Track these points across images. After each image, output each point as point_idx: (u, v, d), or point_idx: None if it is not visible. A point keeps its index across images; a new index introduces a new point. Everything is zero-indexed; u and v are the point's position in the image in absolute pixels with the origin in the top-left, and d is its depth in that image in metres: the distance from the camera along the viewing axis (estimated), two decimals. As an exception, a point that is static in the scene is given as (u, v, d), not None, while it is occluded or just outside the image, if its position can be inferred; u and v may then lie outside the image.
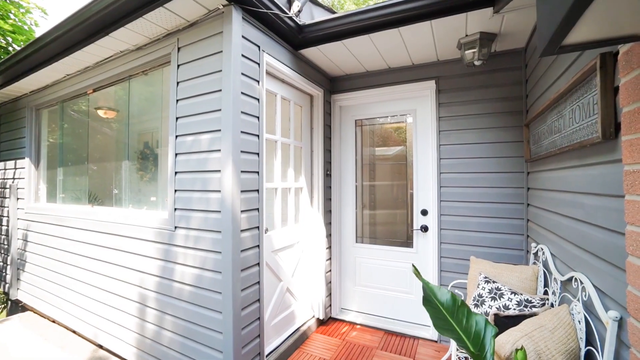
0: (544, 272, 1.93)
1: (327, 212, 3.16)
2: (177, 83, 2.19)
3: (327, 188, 3.17)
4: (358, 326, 3.06)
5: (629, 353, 0.87)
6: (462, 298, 1.65)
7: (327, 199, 3.17)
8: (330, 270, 3.21)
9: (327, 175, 3.17)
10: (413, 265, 1.19)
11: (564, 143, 1.52)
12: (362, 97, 3.13)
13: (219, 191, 1.95)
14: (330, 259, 3.21)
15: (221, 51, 1.97)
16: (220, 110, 1.97)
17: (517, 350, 0.90)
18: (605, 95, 1.10)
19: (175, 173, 2.19)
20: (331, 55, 2.72)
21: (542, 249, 1.99)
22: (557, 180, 1.73)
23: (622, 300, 1.08)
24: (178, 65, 2.19)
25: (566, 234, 1.59)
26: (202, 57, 2.07)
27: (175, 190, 2.19)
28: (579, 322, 1.34)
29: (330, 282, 3.21)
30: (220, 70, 1.97)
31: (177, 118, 2.19)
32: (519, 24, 2.13)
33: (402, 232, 3.09)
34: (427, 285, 1.14)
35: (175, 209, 2.18)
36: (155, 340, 2.27)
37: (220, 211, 1.94)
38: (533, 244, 2.19)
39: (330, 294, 3.20)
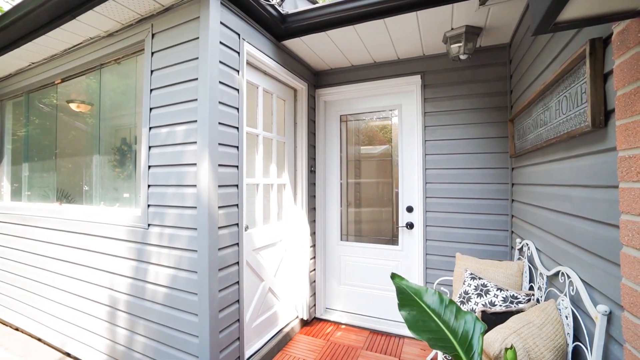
0: (529, 268, 1.91)
1: (312, 209, 3.08)
2: (151, 72, 2.06)
3: (312, 185, 3.09)
4: (343, 326, 3.00)
5: (623, 349, 0.83)
6: (448, 296, 1.60)
7: (311, 196, 3.08)
8: (314, 269, 3.13)
9: (312, 171, 3.09)
10: (392, 274, 1.12)
11: (551, 135, 1.49)
12: (347, 92, 3.07)
13: (195, 186, 1.84)
14: (314, 257, 3.13)
15: (198, 38, 1.85)
16: (196, 100, 1.85)
17: (506, 349, 0.85)
18: (595, 83, 1.07)
19: (149, 167, 2.06)
20: (315, 48, 2.64)
21: (527, 244, 1.97)
22: (543, 174, 1.70)
23: (612, 294, 1.04)
24: (152, 53, 2.06)
25: (552, 228, 1.57)
26: (177, 44, 1.95)
27: (149, 186, 2.05)
28: (566, 317, 1.31)
29: (314, 281, 3.12)
30: (197, 58, 1.86)
31: (150, 109, 2.06)
32: (504, 18, 2.11)
33: (387, 229, 3.05)
34: (412, 288, 1.07)
35: (148, 206, 2.05)
36: (127, 347, 2.12)
37: (196, 207, 1.83)
38: (518, 240, 2.18)
39: (314, 293, 3.12)
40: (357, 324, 2.96)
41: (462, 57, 2.30)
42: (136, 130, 2.44)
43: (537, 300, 1.67)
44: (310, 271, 3.04)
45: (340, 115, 3.19)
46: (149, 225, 2.04)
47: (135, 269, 2.09)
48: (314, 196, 3.14)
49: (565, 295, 1.34)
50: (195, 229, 1.83)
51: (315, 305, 3.14)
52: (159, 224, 1.99)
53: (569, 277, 1.34)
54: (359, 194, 3.20)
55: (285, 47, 2.61)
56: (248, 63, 2.30)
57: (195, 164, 1.84)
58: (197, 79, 1.85)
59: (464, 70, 2.60)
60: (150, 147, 2.06)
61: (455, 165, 2.60)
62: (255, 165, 2.48)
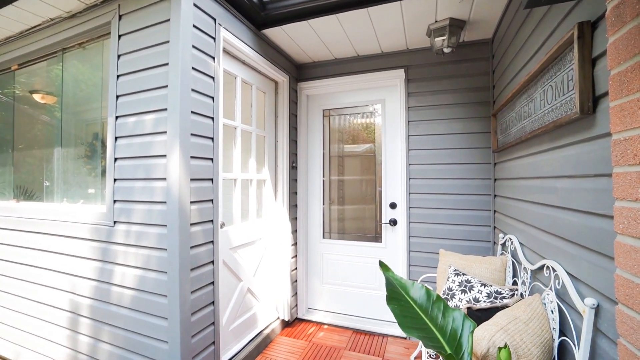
0: (513, 262, 1.89)
1: (293, 206, 2.98)
2: (118, 56, 1.90)
3: (293, 181, 2.99)
4: (326, 326, 2.91)
5: (617, 344, 0.78)
6: (433, 292, 1.55)
7: (293, 192, 2.98)
8: (296, 268, 3.03)
9: (293, 167, 2.99)
10: (380, 262, 1.05)
11: (535, 127, 1.47)
12: (330, 86, 2.99)
13: (165, 179, 1.70)
14: (296, 256, 3.03)
15: (169, 20, 1.72)
16: (167, 86, 1.72)
17: (499, 348, 0.79)
18: (583, 68, 1.03)
19: (115, 159, 1.90)
20: (297, 38, 2.54)
21: (510, 239, 1.96)
22: (526, 167, 1.68)
23: (600, 287, 1.01)
24: (119, 36, 1.90)
25: (536, 222, 1.54)
26: (146, 26, 1.80)
27: (115, 180, 1.89)
28: (552, 311, 1.28)
29: (296, 280, 3.02)
30: (168, 42, 1.72)
31: (117, 96, 1.90)
32: (487, 12, 2.09)
33: (370, 227, 2.99)
34: (399, 281, 1.00)
35: (114, 201, 1.89)
36: (90, 356, 1.95)
37: (165, 202, 1.69)
38: (501, 235, 2.17)
39: (296, 293, 3.02)
40: (340, 323, 2.88)
41: (446, 50, 2.27)
42: (100, 119, 2.26)
43: (521, 295, 1.65)
44: (292, 270, 2.94)
45: (323, 110, 3.11)
46: (114, 222, 1.88)
47: (99, 270, 1.92)
48: (296, 193, 3.04)
49: (551, 289, 1.31)
50: (165, 225, 1.69)
51: (297, 305, 3.04)
52: (125, 221, 1.84)
53: (554, 270, 1.31)
54: (342, 191, 3.13)
55: (265, 36, 2.50)
56: (225, 51, 2.18)
57: (165, 156, 1.71)
58: (167, 64, 1.72)
59: (447, 64, 2.57)
60: (116, 138, 1.90)
61: (438, 160, 2.57)
62: (232, 159, 2.35)
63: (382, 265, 0.96)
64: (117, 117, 1.89)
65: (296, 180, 3.05)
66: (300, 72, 3.09)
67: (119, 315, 1.83)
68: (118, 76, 1.89)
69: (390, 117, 2.83)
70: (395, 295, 0.91)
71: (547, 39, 1.38)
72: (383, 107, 2.87)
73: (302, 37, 2.52)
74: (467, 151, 2.50)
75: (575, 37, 1.04)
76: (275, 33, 2.45)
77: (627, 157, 0.73)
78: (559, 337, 1.23)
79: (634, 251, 0.71)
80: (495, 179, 2.40)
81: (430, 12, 2.13)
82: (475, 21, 2.21)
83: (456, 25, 2.21)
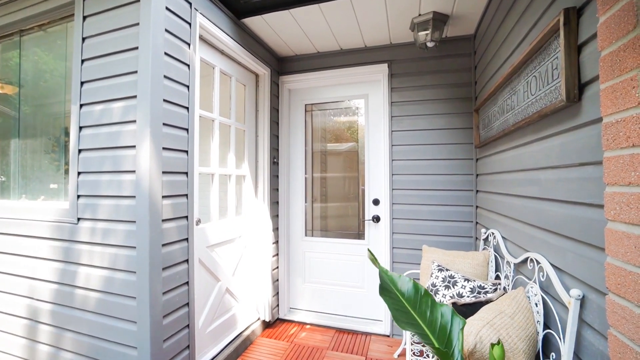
0: (496, 257, 1.89)
1: (274, 203, 2.89)
2: (83, 39, 1.76)
3: (274, 177, 2.89)
4: (308, 326, 2.84)
5: (607, 334, 0.76)
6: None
7: (274, 189, 2.89)
8: (277, 267, 2.94)
9: (275, 163, 2.90)
10: (369, 250, 0.99)
11: (519, 119, 1.46)
12: (312, 80, 2.92)
13: (134, 172, 1.57)
14: (277, 254, 2.94)
15: (138, 0, 1.60)
16: (136, 72, 1.59)
17: (492, 345, 0.74)
18: (569, 55, 1.01)
19: (80, 151, 1.75)
20: (279, 29, 2.45)
21: (492, 234, 1.95)
22: (509, 161, 1.68)
23: (585, 277, 0.99)
24: (84, 17, 1.75)
25: (519, 215, 1.53)
26: (114, 7, 1.67)
27: (79, 173, 1.75)
28: (536, 304, 1.26)
29: (277, 280, 2.93)
30: (138, 24, 1.60)
31: (82, 83, 1.75)
32: (470, 6, 2.09)
33: (354, 224, 2.94)
34: (386, 274, 0.94)
35: (78, 196, 1.74)
36: (50, 364, 1.79)
37: (135, 196, 1.57)
38: (483, 230, 2.17)
39: (277, 293, 2.93)
40: (322, 323, 2.82)
41: (430, 44, 2.25)
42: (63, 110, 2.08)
43: (504, 289, 1.64)
44: (273, 269, 2.84)
45: (305, 105, 3.04)
46: (78, 219, 1.73)
47: (61, 272, 1.77)
48: (277, 189, 2.95)
49: (535, 282, 1.30)
50: (134, 221, 1.56)
51: (278, 305, 2.94)
52: (90, 218, 1.70)
53: (538, 262, 1.29)
54: (325, 188, 3.07)
55: (246, 26, 2.40)
56: (202, 39, 2.07)
57: (134, 147, 1.58)
58: (137, 47, 1.59)
59: (430, 60, 2.56)
60: (81, 128, 1.75)
61: (421, 156, 2.56)
62: (210, 153, 2.24)
63: (372, 255, 0.90)
64: (81, 105, 1.75)
65: (277, 176, 2.96)
66: (282, 65, 3.00)
67: (83, 320, 1.69)
68: (83, 60, 1.75)
69: (374, 113, 2.79)
70: (387, 286, 0.85)
71: (531, 30, 1.37)
72: (366, 103, 2.83)
73: (284, 28, 2.44)
74: (449, 147, 2.50)
75: (561, 23, 1.02)
76: (256, 22, 2.35)
77: (619, 140, 0.70)
78: (544, 330, 1.21)
79: (627, 237, 0.68)
80: (477, 175, 2.41)
81: (414, 5, 2.10)
82: (458, 15, 2.21)
83: (439, 20, 2.20)
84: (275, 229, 2.90)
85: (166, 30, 1.64)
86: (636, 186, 0.65)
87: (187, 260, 1.79)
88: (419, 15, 2.21)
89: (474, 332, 1.09)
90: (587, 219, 0.98)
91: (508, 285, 1.61)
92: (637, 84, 0.64)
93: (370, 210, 2.80)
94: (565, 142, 1.10)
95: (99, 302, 1.66)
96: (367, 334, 2.69)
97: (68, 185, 1.81)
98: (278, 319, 2.95)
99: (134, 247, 1.56)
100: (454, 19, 2.25)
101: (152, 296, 1.53)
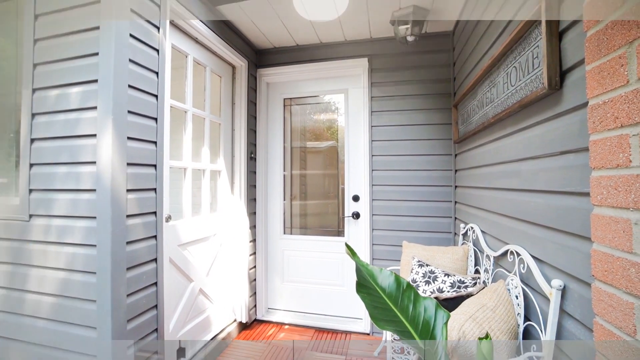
0: (475, 251, 1.89)
1: (251, 200, 2.78)
2: (35, 16, 1.59)
3: (252, 173, 2.79)
4: (287, 326, 2.75)
5: (594, 324, 0.74)
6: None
7: (251, 185, 2.78)
8: (254, 267, 2.83)
9: (252, 158, 2.79)
10: (346, 244, 0.93)
11: (498, 110, 1.45)
12: (291, 74, 2.84)
13: (95, 163, 1.44)
14: (254, 253, 2.84)
15: (100, -24, 1.46)
16: (97, 54, 1.45)
17: (479, 339, 0.70)
18: (551, 41, 1.00)
19: (32, 140, 1.58)
20: (257, 19, 2.36)
21: (471, 228, 1.96)
22: (489, 154, 1.68)
23: (566, 267, 0.98)
24: (37, -7, 1.59)
25: (499, 208, 1.53)
26: (72, -18, 1.52)
27: (32, 165, 1.58)
28: (517, 296, 1.25)
29: (254, 279, 2.83)
30: (98, 2, 1.46)
31: (35, 65, 1.59)
32: (449, 2, 2.09)
33: (333, 222, 2.89)
34: (366, 268, 0.88)
35: (30, 191, 1.57)
36: (-3, 378, 1.61)
37: (95, 190, 1.43)
38: (462, 225, 2.18)
39: (254, 293, 2.82)
40: (302, 322, 2.74)
41: (410, 38, 2.24)
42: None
43: (484, 283, 1.63)
44: (250, 269, 2.74)
45: (284, 99, 2.95)
46: (30, 216, 1.57)
47: (10, 275, 1.59)
48: (255, 186, 2.85)
49: (515, 274, 1.29)
50: (94, 217, 1.43)
51: (255, 306, 2.84)
52: (44, 214, 1.54)
53: (518, 255, 1.28)
54: (305, 186, 3.00)
55: (222, 14, 2.28)
56: (174, 24, 1.94)
57: (94, 135, 1.44)
58: (98, 27, 1.46)
59: (410, 55, 2.55)
60: (34, 115, 1.58)
61: (401, 151, 2.54)
62: (182, 146, 2.11)
63: (349, 248, 0.84)
64: (34, 90, 1.58)
65: (255, 172, 2.85)
66: (260, 57, 2.90)
67: (35, 328, 1.53)
68: (35, 40, 1.58)
69: (354, 107, 2.75)
70: (365, 282, 0.79)
71: (511, 20, 1.37)
72: (346, 97, 2.79)
73: (262, 18, 2.35)
74: (429, 142, 2.50)
75: (542, 9, 1.01)
76: (232, 11, 2.25)
77: (606, 122, 0.68)
78: (524, 322, 1.20)
79: (614, 222, 0.66)
80: (456, 170, 2.42)
81: (395, -2, 2.08)
82: (437, 10, 2.20)
83: (419, 14, 2.19)
84: (253, 227, 2.80)
85: (132, 10, 1.51)
86: (625, 168, 0.63)
87: (155, 260, 1.66)
88: (400, 8, 2.19)
89: (457, 326, 1.06)
90: (568, 207, 0.96)
91: (488, 279, 1.61)
92: (626, 62, 0.62)
93: (350, 207, 2.75)
94: (546, 132, 1.09)
95: (53, 307, 1.50)
96: (347, 332, 2.64)
97: (19, 180, 1.64)
98: (255, 320, 2.84)
99: (94, 246, 1.42)
100: (433, 13, 2.25)
101: (114, 299, 1.39)
